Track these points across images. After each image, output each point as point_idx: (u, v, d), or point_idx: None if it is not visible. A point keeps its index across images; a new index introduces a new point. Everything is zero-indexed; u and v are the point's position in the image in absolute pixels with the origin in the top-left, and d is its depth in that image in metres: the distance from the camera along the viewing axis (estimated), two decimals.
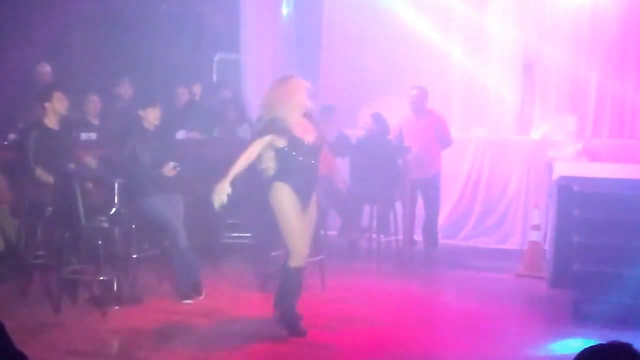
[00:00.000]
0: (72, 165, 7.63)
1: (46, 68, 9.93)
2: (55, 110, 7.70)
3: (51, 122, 7.71)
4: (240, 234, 8.69)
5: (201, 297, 7.32)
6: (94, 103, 9.12)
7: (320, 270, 7.80)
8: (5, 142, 8.41)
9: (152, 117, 7.61)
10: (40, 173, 7.42)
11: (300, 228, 6.20)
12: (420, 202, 9.68)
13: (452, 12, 10.71)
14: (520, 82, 10.60)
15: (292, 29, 11.51)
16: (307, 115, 6.42)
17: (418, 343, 6.46)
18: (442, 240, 9.87)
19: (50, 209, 7.35)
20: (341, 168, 9.24)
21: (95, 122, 8.99)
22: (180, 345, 6.15)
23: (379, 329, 6.71)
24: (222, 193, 6.04)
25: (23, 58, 10.21)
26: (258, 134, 6.31)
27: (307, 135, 6.28)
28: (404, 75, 10.35)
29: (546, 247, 8.99)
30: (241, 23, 11.22)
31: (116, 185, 7.18)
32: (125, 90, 9.70)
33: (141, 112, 7.63)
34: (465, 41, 10.61)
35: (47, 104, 7.71)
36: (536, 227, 8.96)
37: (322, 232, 8.40)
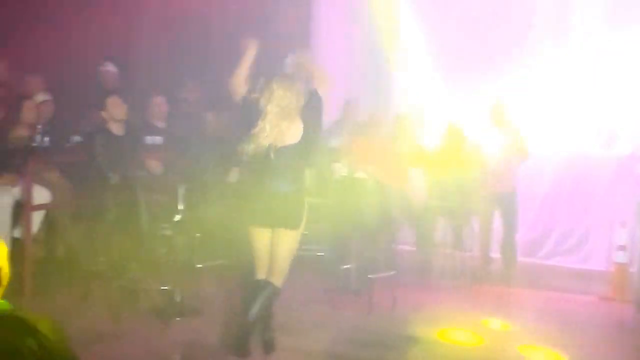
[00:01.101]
0: (137, 171, 7.70)
1: (110, 68, 10.04)
2: (112, 117, 7.78)
3: (113, 127, 7.80)
4: (310, 246, 8.66)
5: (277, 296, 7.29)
6: (159, 105, 9.15)
7: (392, 287, 7.73)
8: (68, 144, 8.51)
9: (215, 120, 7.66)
10: (115, 180, 7.50)
11: None
12: (497, 217, 9.54)
13: (532, 18, 10.54)
14: (605, 91, 10.37)
15: (365, 32, 11.46)
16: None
17: None
18: (520, 258, 9.71)
19: (111, 214, 7.41)
20: (415, 179, 9.15)
21: (161, 125, 9.04)
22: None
23: (449, 349, 6.62)
24: None
25: (87, 57, 10.34)
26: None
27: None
28: (481, 84, 10.23)
29: (633, 269, 8.78)
30: (312, 23, 11.22)
31: (180, 191, 7.20)
32: (192, 93, 9.74)
33: (209, 117, 7.68)
34: (545, 49, 10.44)
35: (103, 113, 7.81)
36: (622, 248, 8.76)
37: (394, 246, 8.35)
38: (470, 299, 8.31)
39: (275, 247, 5.95)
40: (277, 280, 6.01)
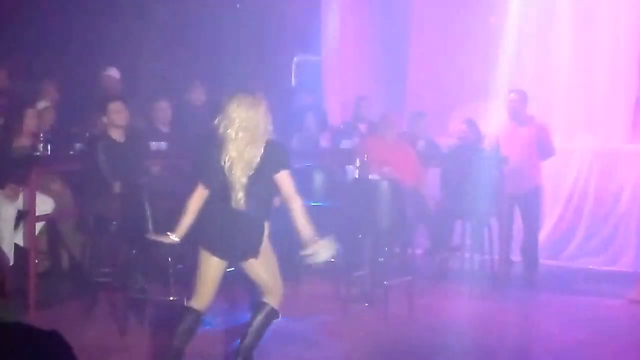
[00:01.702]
0: (141, 178, 7.77)
1: (113, 73, 10.13)
2: (113, 123, 7.86)
3: (114, 134, 7.88)
4: None
5: (278, 320, 7.35)
6: (163, 110, 9.23)
7: (408, 292, 7.78)
8: (71, 152, 8.61)
9: None
10: (118, 187, 7.58)
11: None
12: (518, 218, 9.57)
13: (553, 6, 10.56)
14: (634, 83, 10.37)
15: (377, 30, 11.52)
16: None
17: None
18: (542, 261, 9.72)
19: (116, 224, 7.50)
20: (431, 179, 9.20)
21: (165, 130, 9.13)
22: None
23: (470, 356, 6.66)
24: None
25: (90, 62, 10.44)
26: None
27: None
28: (499, 78, 10.28)
29: None
30: (322, 23, 11.28)
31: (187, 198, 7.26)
32: (198, 96, 9.81)
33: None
34: (569, 37, 10.44)
35: (103, 118, 7.89)
36: None
37: (409, 250, 8.39)
38: (490, 305, 8.34)
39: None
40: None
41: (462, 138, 9.38)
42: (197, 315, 5.62)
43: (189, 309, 5.62)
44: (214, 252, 5.54)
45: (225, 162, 5.42)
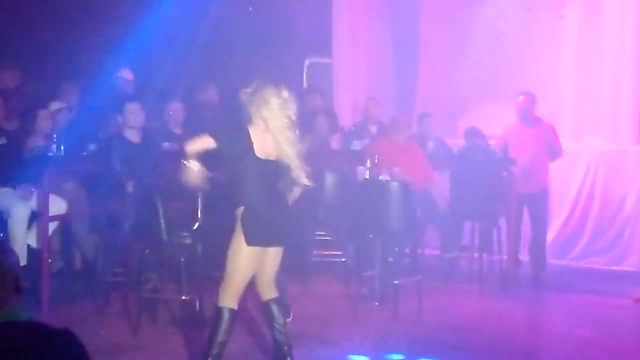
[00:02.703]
0: (155, 179, 7.74)
1: (127, 74, 10.11)
2: (128, 124, 7.84)
3: (129, 134, 7.86)
4: (331, 252, 8.68)
5: (289, 319, 7.31)
6: (176, 111, 9.21)
7: (418, 292, 7.73)
8: (85, 153, 8.58)
9: None
10: (131, 187, 7.54)
11: None
12: (526, 218, 9.52)
13: (561, 8, 10.51)
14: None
15: (388, 32, 11.48)
16: None
17: None
18: (550, 261, 9.68)
19: (129, 224, 7.46)
20: (440, 181, 9.15)
21: (178, 131, 9.10)
22: None
23: (480, 356, 6.61)
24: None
25: (104, 64, 10.41)
26: None
27: None
28: (508, 80, 10.24)
29: None
30: (333, 25, 11.25)
31: (199, 199, 7.23)
32: (211, 97, 9.78)
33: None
34: (576, 40, 10.40)
35: (119, 117, 7.87)
36: None
37: (419, 250, 8.35)
38: (499, 305, 8.30)
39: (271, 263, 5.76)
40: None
41: (471, 143, 9.35)
42: (235, 314, 5.59)
43: (229, 310, 5.56)
44: (268, 244, 5.57)
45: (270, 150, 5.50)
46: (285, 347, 5.77)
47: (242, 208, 5.49)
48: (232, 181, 5.61)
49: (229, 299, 5.56)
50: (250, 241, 5.47)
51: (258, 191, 5.53)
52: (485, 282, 8.76)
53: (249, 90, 5.63)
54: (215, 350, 5.54)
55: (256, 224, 5.50)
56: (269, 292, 5.78)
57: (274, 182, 5.58)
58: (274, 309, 5.77)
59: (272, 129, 5.55)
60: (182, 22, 11.62)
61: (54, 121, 8.62)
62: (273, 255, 5.67)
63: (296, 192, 5.77)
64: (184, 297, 7.02)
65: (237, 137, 5.53)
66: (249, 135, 5.51)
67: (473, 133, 9.38)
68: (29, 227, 7.88)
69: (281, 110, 5.58)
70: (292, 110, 5.65)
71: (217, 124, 8.29)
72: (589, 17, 10.38)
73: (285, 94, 5.63)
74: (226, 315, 5.54)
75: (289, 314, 7.31)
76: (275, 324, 5.77)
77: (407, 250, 8.51)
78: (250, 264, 5.56)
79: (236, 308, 5.59)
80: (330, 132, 9.65)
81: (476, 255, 9.09)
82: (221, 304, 5.56)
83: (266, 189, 5.55)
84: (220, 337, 5.54)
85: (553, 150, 9.40)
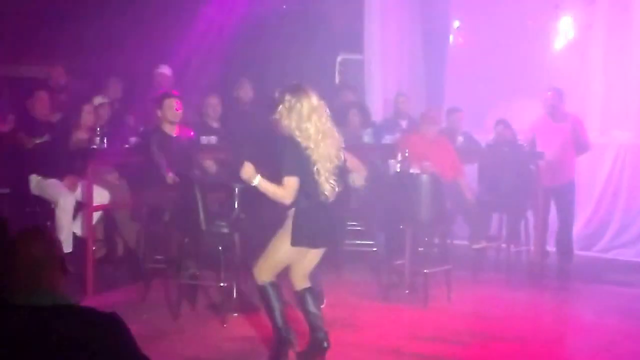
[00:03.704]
0: (193, 170, 7.82)
1: (166, 70, 10.19)
2: (167, 118, 7.91)
3: (167, 128, 7.93)
4: (363, 241, 8.72)
5: (322, 306, 7.36)
6: (213, 106, 9.27)
7: (447, 281, 7.76)
8: (127, 145, 8.68)
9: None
10: (171, 179, 7.62)
11: None
12: (553, 210, 9.50)
13: (589, 4, 10.45)
14: None
15: (418, 28, 11.48)
16: None
17: None
18: (577, 252, 9.66)
19: (169, 213, 7.54)
20: (469, 173, 9.16)
21: (215, 125, 9.17)
22: None
23: (507, 344, 6.60)
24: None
25: (143, 60, 10.50)
26: None
27: None
28: (536, 75, 10.20)
29: None
30: (365, 22, 11.26)
31: (236, 190, 7.30)
32: (246, 92, 9.84)
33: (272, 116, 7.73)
34: (605, 36, 10.32)
35: (158, 111, 7.94)
36: None
37: (448, 241, 8.36)
38: (526, 294, 8.30)
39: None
40: None
41: (499, 135, 9.34)
42: (275, 284, 5.80)
43: (269, 284, 5.76)
44: (313, 245, 5.71)
45: (315, 158, 5.52)
46: (322, 333, 5.83)
47: (293, 209, 5.57)
48: None
49: (265, 274, 5.72)
50: (294, 242, 5.58)
51: (305, 195, 5.58)
52: (512, 272, 8.78)
53: (285, 105, 5.56)
54: (280, 322, 5.78)
55: (304, 226, 5.59)
56: (302, 282, 5.88)
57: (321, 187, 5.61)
58: (308, 297, 5.85)
59: (314, 139, 5.54)
60: (219, 19, 11.68)
61: (98, 115, 8.73)
62: (314, 254, 5.81)
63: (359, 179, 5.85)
64: (221, 284, 7.08)
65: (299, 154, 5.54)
66: (303, 149, 5.53)
67: (502, 125, 9.37)
68: (74, 216, 8.00)
69: (319, 120, 5.55)
70: (325, 114, 5.61)
71: (254, 125, 8.38)
72: (617, 12, 10.30)
73: (316, 101, 5.57)
74: (269, 290, 5.73)
75: (322, 301, 7.36)
76: (310, 311, 5.83)
77: (436, 241, 8.53)
78: (289, 256, 5.70)
79: (275, 280, 5.78)
80: (362, 126, 9.69)
81: (504, 246, 9.09)
82: (261, 282, 5.72)
83: (312, 192, 5.59)
84: (276, 311, 5.76)
85: (580, 145, 9.37)
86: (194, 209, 6.98)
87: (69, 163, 8.05)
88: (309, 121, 5.51)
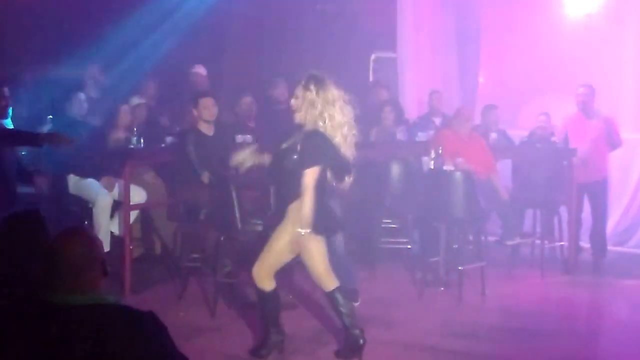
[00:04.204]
0: (228, 169, 7.82)
1: (201, 70, 10.21)
2: (202, 117, 7.91)
3: (203, 127, 7.93)
4: (397, 239, 8.69)
5: (357, 303, 7.34)
6: (248, 105, 9.28)
7: (481, 278, 7.71)
8: (163, 145, 8.71)
9: None
10: (207, 178, 7.63)
11: None
12: (587, 206, 9.41)
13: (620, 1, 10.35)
14: None
15: (451, 26, 11.42)
16: None
17: (584, 356, 6.29)
18: (611, 248, 9.56)
19: (205, 212, 7.55)
20: (503, 170, 9.10)
21: (251, 124, 9.17)
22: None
23: (542, 340, 6.57)
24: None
25: (178, 60, 10.54)
26: None
27: None
28: (568, 72, 10.11)
29: None
30: (398, 20, 11.23)
31: (272, 188, 7.29)
32: (281, 91, 9.83)
33: None
34: (636, 31, 10.20)
35: (194, 111, 7.94)
36: None
37: (482, 237, 8.31)
38: (560, 290, 8.23)
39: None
40: None
41: (540, 127, 9.27)
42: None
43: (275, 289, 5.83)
44: (333, 233, 5.93)
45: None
46: (357, 331, 5.81)
47: (296, 202, 5.58)
48: (293, 175, 5.64)
49: (265, 275, 5.78)
50: (316, 229, 5.59)
51: (321, 185, 5.63)
52: (546, 268, 8.69)
53: (311, 92, 5.60)
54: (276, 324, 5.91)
55: (324, 215, 5.64)
56: (329, 283, 5.85)
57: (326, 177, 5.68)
58: (338, 296, 5.83)
59: (330, 128, 5.58)
60: (252, 19, 11.70)
61: (134, 115, 8.77)
62: (317, 249, 5.73)
63: (346, 183, 5.82)
64: None
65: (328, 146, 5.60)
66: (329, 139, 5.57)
67: (545, 116, 9.31)
68: (112, 215, 8.03)
69: (343, 109, 5.62)
70: (347, 105, 5.66)
71: (288, 124, 8.36)
72: None
73: (337, 91, 5.63)
74: (271, 294, 5.85)
75: (357, 299, 7.35)
76: (341, 310, 5.81)
77: (470, 237, 8.49)
78: (287, 250, 5.70)
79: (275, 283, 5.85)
80: (396, 124, 9.66)
81: (538, 242, 9.02)
82: (261, 286, 5.80)
83: (325, 182, 5.67)
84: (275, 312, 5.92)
85: (612, 141, 9.28)
86: (229, 207, 6.99)
87: (106, 163, 8.08)
88: (334, 107, 5.53)
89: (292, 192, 5.63)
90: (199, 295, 7.57)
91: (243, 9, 11.63)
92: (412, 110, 10.86)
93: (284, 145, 5.75)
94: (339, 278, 7.27)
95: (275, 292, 5.85)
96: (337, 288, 5.85)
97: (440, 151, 8.23)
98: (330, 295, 5.86)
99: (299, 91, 5.68)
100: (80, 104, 8.30)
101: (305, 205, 5.51)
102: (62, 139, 6.78)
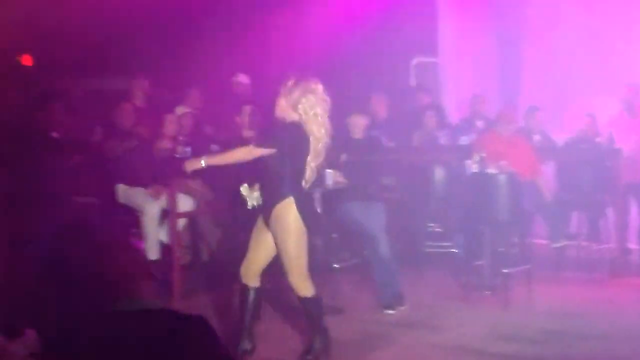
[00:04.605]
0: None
1: (243, 79, 10.28)
2: (247, 126, 7.95)
3: (247, 135, 7.98)
4: (442, 243, 8.67)
5: (403, 308, 7.35)
6: None
7: (527, 281, 7.67)
8: (208, 153, 8.77)
9: (360, 124, 7.74)
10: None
11: None
12: (634, 207, 9.31)
13: None
14: None
15: (492, 29, 11.38)
16: None
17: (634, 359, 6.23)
18: None
19: (251, 219, 7.56)
20: (547, 171, 9.04)
21: None
22: (383, 356, 6.21)
23: (590, 343, 6.50)
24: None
25: (221, 69, 10.62)
26: None
27: None
28: (612, 72, 10.02)
29: None
30: (439, 25, 11.21)
31: (316, 194, 7.31)
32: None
33: (348, 120, 7.76)
34: None
35: (238, 119, 8.00)
36: None
37: (527, 240, 8.26)
38: (608, 292, 8.15)
39: None
40: None
41: (583, 130, 9.19)
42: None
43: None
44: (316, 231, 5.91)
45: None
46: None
47: (287, 199, 5.59)
48: (278, 174, 5.66)
49: (304, 282, 5.82)
50: (309, 224, 5.67)
51: (298, 180, 5.68)
52: (593, 270, 8.62)
53: (290, 83, 5.67)
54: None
55: (309, 211, 5.73)
56: (255, 280, 5.93)
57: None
58: (252, 296, 5.90)
59: (311, 120, 5.62)
60: (295, 26, 11.74)
61: (180, 125, 8.86)
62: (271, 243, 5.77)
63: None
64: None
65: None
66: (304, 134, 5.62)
67: (591, 118, 9.24)
68: (160, 223, 8.11)
69: (322, 104, 5.66)
70: (325, 104, 5.68)
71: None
72: None
73: (322, 92, 5.68)
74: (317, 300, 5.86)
75: (403, 303, 7.35)
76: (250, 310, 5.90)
77: (515, 240, 8.43)
78: (302, 248, 5.74)
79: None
80: (438, 128, 9.64)
81: (584, 244, 8.94)
82: (308, 295, 5.83)
83: (301, 178, 5.70)
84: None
85: None
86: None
87: (154, 172, 8.17)
88: (308, 101, 5.59)
89: (277, 192, 5.67)
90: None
91: (284, 17, 11.69)
92: (454, 113, 10.84)
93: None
94: (384, 282, 7.32)
95: (259, 290, 5.93)
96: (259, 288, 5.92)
97: (483, 154, 8.21)
98: (253, 292, 5.92)
99: (281, 87, 5.74)
100: (127, 114, 8.41)
101: (227, 158, 5.87)
102: (113, 149, 6.89)
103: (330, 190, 7.43)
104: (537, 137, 9.43)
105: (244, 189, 5.83)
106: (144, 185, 8.15)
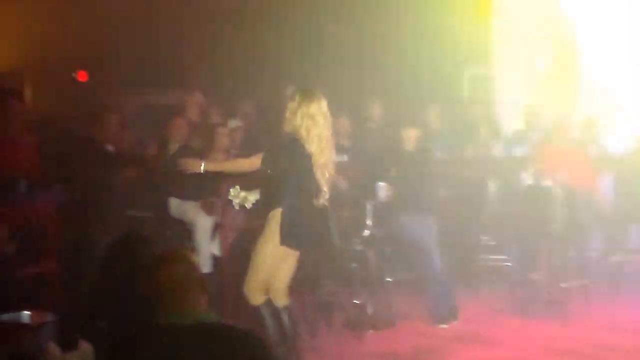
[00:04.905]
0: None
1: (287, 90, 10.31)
2: None
3: None
4: (496, 256, 8.59)
5: (457, 321, 7.30)
6: (343, 125, 9.32)
7: (584, 295, 7.57)
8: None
9: (412, 136, 7.74)
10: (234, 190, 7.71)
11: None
12: None
13: None
14: None
15: (547, 40, 11.29)
16: None
17: None
18: None
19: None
20: (605, 183, 8.93)
21: (347, 144, 9.22)
22: None
23: None
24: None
25: (271, 82, 10.68)
26: None
27: None
28: None
29: None
30: (493, 36, 11.16)
31: (368, 206, 7.32)
32: (375, 110, 9.86)
33: (403, 133, 7.76)
34: None
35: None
36: None
37: (585, 254, 8.16)
38: None
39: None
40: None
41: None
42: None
43: (267, 304, 5.91)
44: (302, 245, 5.80)
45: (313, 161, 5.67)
46: (283, 348, 5.86)
47: (279, 209, 5.63)
48: (272, 184, 5.74)
49: (255, 290, 5.87)
50: (283, 240, 5.66)
51: (297, 195, 5.67)
52: None
53: (294, 102, 5.70)
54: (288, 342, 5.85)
55: (292, 225, 5.68)
56: (284, 298, 5.95)
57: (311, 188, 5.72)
58: (284, 316, 5.90)
59: (311, 140, 5.65)
60: (345, 37, 11.76)
61: (232, 138, 8.90)
62: (292, 260, 5.85)
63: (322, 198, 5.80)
64: (356, 301, 7.10)
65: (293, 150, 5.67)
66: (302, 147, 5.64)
67: None
68: (212, 237, 8.16)
69: (323, 123, 5.68)
70: (329, 124, 5.74)
71: (384, 141, 8.38)
72: None
73: (325, 106, 5.71)
74: (264, 310, 5.88)
75: (457, 316, 7.31)
76: (267, 326, 5.87)
77: (572, 253, 8.33)
78: (271, 262, 5.76)
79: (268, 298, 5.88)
80: (492, 139, 9.57)
81: None
82: (255, 303, 5.89)
83: (305, 193, 5.70)
84: (270, 329, 5.84)
85: None
86: (325, 227, 7.02)
87: (205, 185, 8.22)
88: (312, 120, 5.62)
89: (272, 199, 5.73)
90: (300, 315, 7.59)
91: (334, 27, 11.73)
92: (508, 125, 10.76)
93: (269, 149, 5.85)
94: (438, 295, 7.29)
95: (269, 304, 5.90)
96: (287, 307, 5.92)
97: (539, 166, 8.14)
98: (279, 311, 5.91)
99: (288, 102, 5.79)
100: (181, 128, 8.49)
101: (228, 167, 6.17)
102: (166, 162, 6.94)
103: (382, 202, 7.42)
104: (593, 148, 9.32)
105: (233, 190, 5.91)
106: (196, 198, 8.21)
